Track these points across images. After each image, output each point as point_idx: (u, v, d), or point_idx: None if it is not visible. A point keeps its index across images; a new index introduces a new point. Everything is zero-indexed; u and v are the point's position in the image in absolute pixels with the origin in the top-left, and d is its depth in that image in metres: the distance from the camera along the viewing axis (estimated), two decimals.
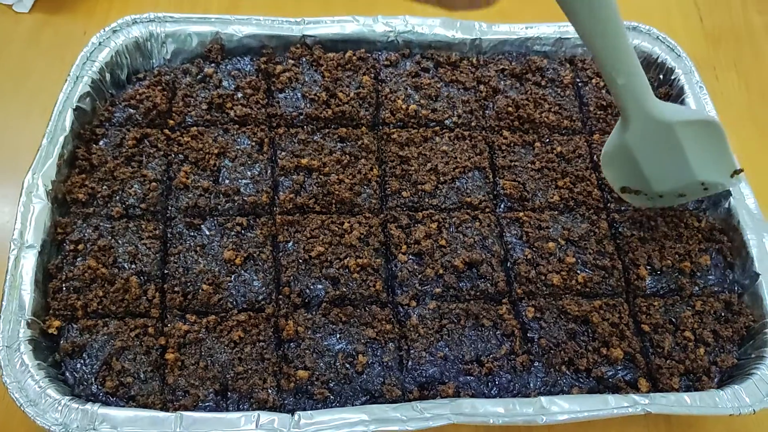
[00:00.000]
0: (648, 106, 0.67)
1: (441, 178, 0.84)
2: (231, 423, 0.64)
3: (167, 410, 0.66)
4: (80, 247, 0.75)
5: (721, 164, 0.76)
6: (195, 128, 0.85)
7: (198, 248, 0.76)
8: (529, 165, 0.87)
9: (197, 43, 0.91)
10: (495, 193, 0.85)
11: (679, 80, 0.94)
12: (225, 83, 0.89)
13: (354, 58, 0.93)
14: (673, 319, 0.77)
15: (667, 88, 0.95)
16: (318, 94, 0.89)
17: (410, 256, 0.78)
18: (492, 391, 0.71)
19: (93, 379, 0.68)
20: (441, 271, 0.77)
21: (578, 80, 0.96)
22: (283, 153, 0.84)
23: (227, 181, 0.82)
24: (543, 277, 0.78)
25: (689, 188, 0.78)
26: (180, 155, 0.83)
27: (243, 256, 0.76)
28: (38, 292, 0.71)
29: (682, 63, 0.95)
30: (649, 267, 0.80)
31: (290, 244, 0.77)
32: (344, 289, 0.75)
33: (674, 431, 0.77)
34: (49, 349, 0.70)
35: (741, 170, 0.77)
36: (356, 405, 0.68)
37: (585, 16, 0.58)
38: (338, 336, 0.72)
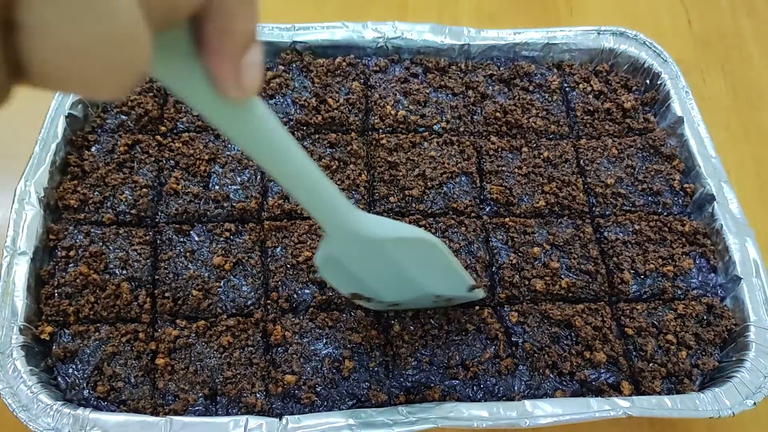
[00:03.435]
0: (343, 220, 0.58)
1: (429, 183, 0.85)
2: (220, 427, 0.65)
3: (157, 414, 0.68)
4: (72, 253, 0.76)
5: (450, 279, 0.70)
6: (186, 134, 0.86)
7: (188, 254, 0.78)
8: (516, 170, 0.88)
9: None
10: (482, 197, 0.86)
11: (665, 85, 0.95)
12: None
13: (344, 64, 0.94)
14: (656, 323, 0.78)
15: (654, 92, 0.96)
16: (308, 100, 0.90)
17: None
18: (477, 395, 0.72)
19: (85, 384, 0.69)
20: None
21: (566, 85, 0.97)
22: None
23: (217, 187, 0.83)
24: (527, 282, 0.79)
25: (423, 300, 0.73)
26: (171, 161, 0.84)
27: (232, 262, 0.77)
28: (31, 298, 0.72)
29: (669, 68, 0.96)
30: (632, 271, 0.81)
31: (278, 249, 0.79)
32: (330, 293, 0.76)
33: None
34: (41, 354, 0.71)
35: (477, 286, 0.72)
36: (343, 409, 0.70)
37: (242, 133, 0.45)
38: (324, 341, 0.73)
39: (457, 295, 0.73)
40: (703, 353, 0.77)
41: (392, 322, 0.75)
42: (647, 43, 0.98)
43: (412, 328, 0.75)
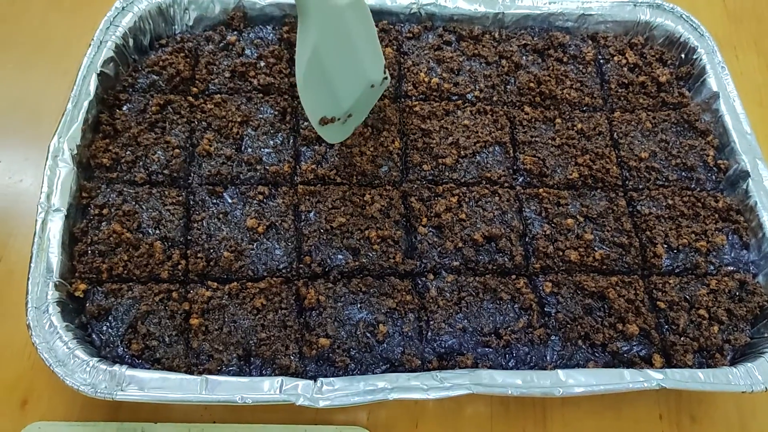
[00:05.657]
0: None
1: (462, 152, 0.84)
2: (255, 387, 0.65)
3: (192, 373, 0.68)
4: (105, 211, 0.76)
5: (374, 53, 0.74)
6: (218, 96, 0.85)
7: (221, 215, 0.77)
8: (549, 141, 0.87)
9: (220, 10, 0.91)
10: (515, 168, 0.85)
11: (701, 60, 0.94)
12: (248, 51, 0.89)
13: (377, 29, 0.92)
14: (688, 297, 0.78)
15: (689, 67, 0.95)
16: None
17: (430, 229, 0.79)
18: (509, 363, 0.72)
19: (119, 342, 0.70)
20: (460, 245, 0.78)
21: (600, 57, 0.95)
22: (306, 123, 0.84)
23: (250, 150, 0.82)
24: (561, 253, 0.79)
25: (364, 97, 0.78)
26: (203, 122, 0.83)
27: (265, 225, 0.77)
28: (65, 255, 0.72)
29: (705, 42, 0.94)
30: (665, 245, 0.80)
31: (312, 213, 0.78)
32: (364, 260, 0.76)
33: (685, 406, 0.79)
34: (76, 311, 0.71)
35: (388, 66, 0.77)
36: (377, 373, 0.70)
37: None
38: (359, 305, 0.73)
39: (378, 77, 0.77)
40: (735, 329, 0.77)
41: (429, 285, 0.75)
42: (684, 16, 0.96)
43: (447, 294, 0.75)
